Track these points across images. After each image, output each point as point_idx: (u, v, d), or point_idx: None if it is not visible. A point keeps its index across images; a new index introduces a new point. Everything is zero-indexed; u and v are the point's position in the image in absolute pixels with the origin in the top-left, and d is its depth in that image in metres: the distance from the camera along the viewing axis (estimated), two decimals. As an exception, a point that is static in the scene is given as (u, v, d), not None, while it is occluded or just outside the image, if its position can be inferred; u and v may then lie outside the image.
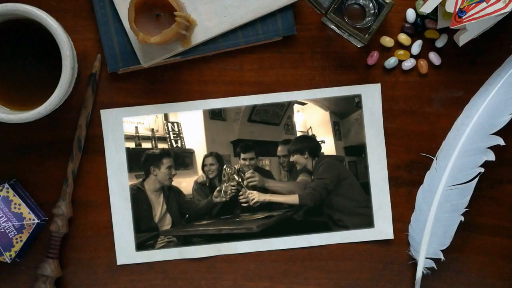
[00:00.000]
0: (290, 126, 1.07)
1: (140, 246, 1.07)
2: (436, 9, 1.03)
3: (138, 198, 1.06)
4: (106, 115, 1.07)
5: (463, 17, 0.99)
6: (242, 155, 1.07)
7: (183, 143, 1.07)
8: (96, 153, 1.07)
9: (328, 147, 1.07)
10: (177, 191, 1.07)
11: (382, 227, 1.07)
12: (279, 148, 1.07)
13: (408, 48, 1.07)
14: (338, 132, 1.07)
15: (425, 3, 1.02)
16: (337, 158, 1.07)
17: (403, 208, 1.07)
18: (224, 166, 1.06)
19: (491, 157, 1.04)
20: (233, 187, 1.07)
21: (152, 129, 1.07)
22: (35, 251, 1.07)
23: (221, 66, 1.07)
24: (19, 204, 1.03)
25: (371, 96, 1.06)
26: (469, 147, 1.04)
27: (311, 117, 1.07)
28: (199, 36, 1.04)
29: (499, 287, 1.08)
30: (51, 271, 1.04)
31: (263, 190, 1.07)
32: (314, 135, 1.07)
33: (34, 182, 1.07)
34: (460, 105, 1.07)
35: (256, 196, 1.07)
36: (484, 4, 0.98)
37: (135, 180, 1.07)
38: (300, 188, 1.07)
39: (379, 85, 1.07)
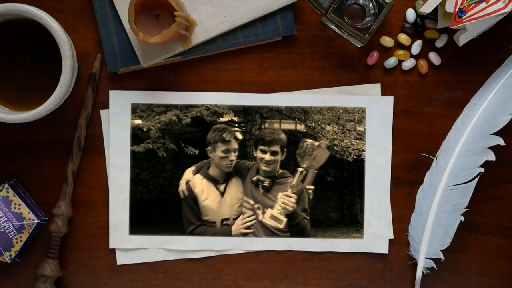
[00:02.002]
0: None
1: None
2: (436, 9, 1.03)
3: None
4: (106, 115, 1.07)
5: (463, 17, 0.99)
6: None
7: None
8: (96, 153, 1.07)
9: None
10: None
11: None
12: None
13: (408, 48, 1.07)
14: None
15: (425, 3, 1.02)
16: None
17: (403, 208, 1.07)
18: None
19: (491, 157, 1.04)
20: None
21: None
22: (35, 251, 1.07)
23: (221, 66, 1.07)
24: (19, 204, 1.03)
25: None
26: (469, 147, 1.04)
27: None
28: (199, 36, 1.04)
29: (499, 287, 1.08)
30: (51, 271, 1.04)
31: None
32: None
33: (34, 182, 1.07)
34: (460, 105, 1.07)
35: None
36: (484, 4, 0.98)
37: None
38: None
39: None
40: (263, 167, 1.06)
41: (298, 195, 1.07)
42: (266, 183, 1.06)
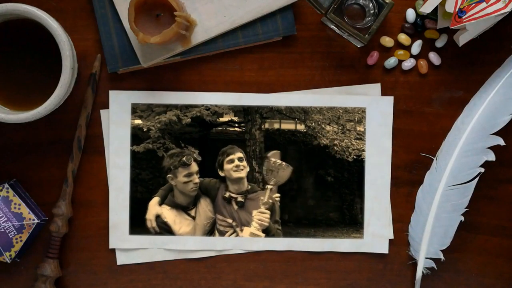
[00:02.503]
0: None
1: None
2: (436, 9, 1.03)
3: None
4: (106, 115, 1.07)
5: (463, 17, 0.99)
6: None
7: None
8: (96, 153, 1.07)
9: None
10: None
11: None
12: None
13: (408, 48, 1.07)
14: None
15: (425, 3, 1.02)
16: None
17: (403, 208, 1.07)
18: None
19: (491, 157, 1.04)
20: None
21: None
22: (35, 251, 1.07)
23: (221, 66, 1.07)
24: (19, 204, 1.03)
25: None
26: (469, 147, 1.04)
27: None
28: (199, 36, 1.04)
29: (499, 287, 1.08)
30: (51, 271, 1.04)
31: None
32: None
33: (34, 182, 1.07)
34: (460, 105, 1.07)
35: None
36: (484, 4, 0.98)
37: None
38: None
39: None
40: (236, 175, 1.06)
41: (270, 208, 1.07)
42: (240, 198, 1.06)
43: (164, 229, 1.06)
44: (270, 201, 1.07)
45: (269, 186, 1.07)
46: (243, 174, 1.07)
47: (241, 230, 1.06)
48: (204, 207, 1.06)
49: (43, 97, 0.99)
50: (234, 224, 1.06)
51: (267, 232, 1.07)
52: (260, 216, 1.07)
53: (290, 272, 1.08)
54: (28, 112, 0.98)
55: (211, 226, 1.07)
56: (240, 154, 1.07)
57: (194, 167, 1.06)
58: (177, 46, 1.04)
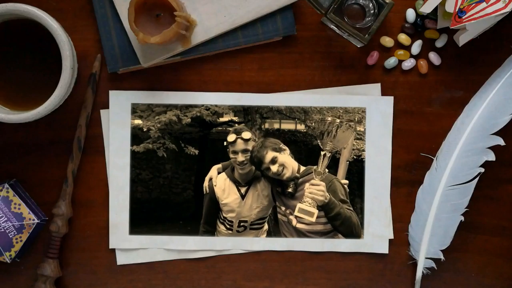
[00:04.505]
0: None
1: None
2: (436, 9, 1.03)
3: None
4: (106, 115, 1.07)
5: (463, 17, 0.99)
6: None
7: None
8: (96, 153, 1.07)
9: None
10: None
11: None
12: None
13: (408, 48, 1.07)
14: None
15: (425, 3, 1.02)
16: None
17: (403, 208, 1.07)
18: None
19: (491, 157, 1.04)
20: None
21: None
22: (35, 251, 1.07)
23: (221, 66, 1.07)
24: (19, 204, 1.03)
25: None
26: (469, 147, 1.04)
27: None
28: (199, 36, 1.04)
29: (499, 287, 1.08)
30: (51, 271, 1.04)
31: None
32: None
33: (34, 182, 1.07)
34: (460, 105, 1.07)
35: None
36: (484, 4, 0.98)
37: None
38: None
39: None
40: (281, 178, 1.06)
41: (329, 185, 1.05)
42: (290, 188, 1.04)
43: (211, 195, 1.06)
44: (327, 170, 1.02)
45: (323, 152, 1.02)
46: (288, 173, 1.05)
47: (295, 217, 1.05)
48: (259, 190, 1.05)
49: (43, 97, 0.99)
50: (287, 212, 1.06)
51: (328, 209, 1.04)
52: (312, 188, 1.04)
53: (290, 272, 1.08)
54: (28, 112, 0.98)
55: (263, 212, 1.06)
56: (271, 155, 1.05)
57: (240, 145, 1.05)
58: (177, 46, 1.04)
